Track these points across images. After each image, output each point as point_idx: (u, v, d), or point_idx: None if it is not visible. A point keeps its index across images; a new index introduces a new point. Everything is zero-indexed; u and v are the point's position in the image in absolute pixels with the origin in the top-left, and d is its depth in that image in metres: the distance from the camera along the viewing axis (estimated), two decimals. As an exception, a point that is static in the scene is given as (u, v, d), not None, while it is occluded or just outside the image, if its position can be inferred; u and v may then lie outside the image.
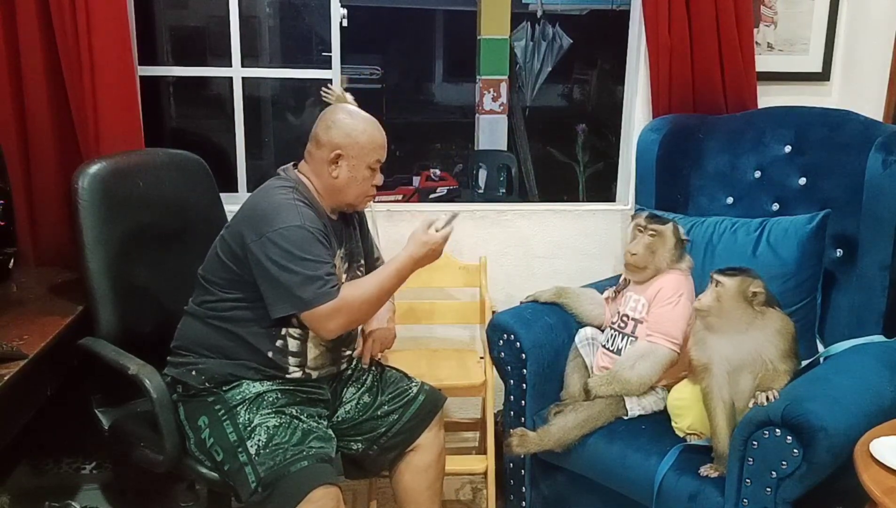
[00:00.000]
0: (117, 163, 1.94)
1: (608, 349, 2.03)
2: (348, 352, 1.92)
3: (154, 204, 1.99)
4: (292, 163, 1.86)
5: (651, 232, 1.97)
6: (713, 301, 1.75)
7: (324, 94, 2.23)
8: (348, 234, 1.90)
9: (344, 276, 1.84)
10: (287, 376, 1.78)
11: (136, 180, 1.96)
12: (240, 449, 1.67)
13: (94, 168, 1.86)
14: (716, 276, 1.76)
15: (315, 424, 1.74)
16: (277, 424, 1.69)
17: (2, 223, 2.06)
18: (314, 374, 1.81)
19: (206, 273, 1.82)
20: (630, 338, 1.98)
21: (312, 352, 1.80)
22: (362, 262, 1.95)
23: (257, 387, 1.75)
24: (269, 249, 1.66)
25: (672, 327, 1.92)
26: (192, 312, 1.83)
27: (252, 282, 1.71)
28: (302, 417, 1.73)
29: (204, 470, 1.76)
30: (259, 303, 1.71)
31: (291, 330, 1.76)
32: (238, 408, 1.72)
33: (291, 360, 1.78)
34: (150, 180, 2.00)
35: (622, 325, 2.00)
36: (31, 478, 2.36)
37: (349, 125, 1.78)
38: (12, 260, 2.12)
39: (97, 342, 1.82)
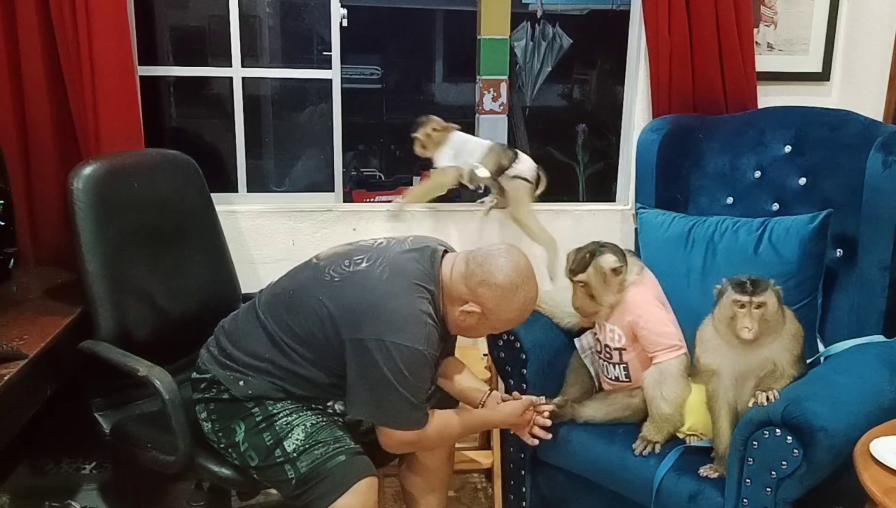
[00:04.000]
0: (112, 164, 1.94)
1: (607, 377, 2.03)
2: None
3: (149, 205, 1.99)
4: (447, 261, 1.70)
5: (580, 283, 1.92)
6: (758, 323, 1.70)
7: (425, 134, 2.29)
8: (447, 334, 1.82)
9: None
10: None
11: (131, 181, 1.96)
12: (277, 451, 1.67)
13: (88, 169, 1.85)
14: (754, 299, 1.70)
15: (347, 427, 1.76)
16: (315, 422, 1.70)
17: (2, 223, 2.06)
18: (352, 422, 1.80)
19: (294, 308, 1.70)
20: (621, 366, 1.98)
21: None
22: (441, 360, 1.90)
23: (298, 402, 1.74)
24: (383, 356, 1.58)
25: (665, 336, 1.91)
26: (264, 326, 1.73)
27: (336, 360, 1.64)
28: (337, 416, 1.76)
29: (219, 469, 1.76)
30: (327, 372, 1.68)
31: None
32: (277, 415, 1.71)
33: (338, 408, 1.77)
34: (145, 181, 2.00)
35: (608, 356, 1.99)
36: (31, 478, 2.36)
37: (505, 298, 1.64)
38: (12, 260, 2.12)
39: (100, 345, 1.81)
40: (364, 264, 1.68)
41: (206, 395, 1.76)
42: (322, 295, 1.67)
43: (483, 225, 2.61)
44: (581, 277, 1.91)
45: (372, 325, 1.60)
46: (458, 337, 1.90)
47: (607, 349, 1.99)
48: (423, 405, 1.67)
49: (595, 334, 2.04)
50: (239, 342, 1.75)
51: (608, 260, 1.90)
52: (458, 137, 2.45)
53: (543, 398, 1.93)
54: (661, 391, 1.87)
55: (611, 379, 2.02)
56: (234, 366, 1.74)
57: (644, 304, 1.93)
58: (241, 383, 1.72)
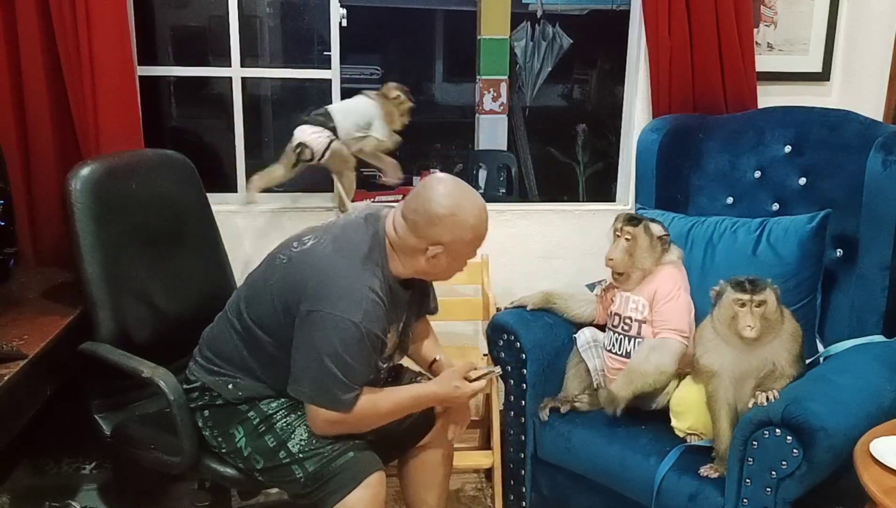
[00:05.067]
0: (110, 164, 1.93)
1: (615, 353, 2.00)
2: None
3: (147, 205, 1.98)
4: (389, 223, 1.68)
5: (626, 236, 1.95)
6: (759, 321, 1.70)
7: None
8: (411, 303, 1.81)
9: (395, 341, 1.78)
10: None
11: (129, 182, 1.95)
12: (282, 453, 1.67)
13: (86, 170, 1.84)
14: (755, 298, 1.70)
15: None
16: None
17: (2, 223, 2.06)
18: None
19: (250, 298, 1.72)
20: (637, 339, 1.96)
21: None
22: (412, 328, 1.88)
23: (292, 400, 1.74)
24: (317, 328, 1.57)
25: (678, 321, 1.92)
26: (230, 321, 1.75)
27: (292, 336, 1.63)
28: None
29: (224, 469, 1.76)
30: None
31: None
32: (275, 415, 1.71)
33: None
34: (143, 181, 2.00)
35: (626, 328, 1.98)
36: (31, 478, 2.36)
37: (456, 223, 1.60)
38: (12, 260, 2.12)
39: (101, 347, 1.81)
40: (310, 243, 1.69)
41: (200, 402, 1.76)
42: (273, 279, 1.67)
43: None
44: (631, 229, 1.95)
45: (312, 299, 1.58)
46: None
47: (627, 322, 1.97)
48: (355, 387, 1.60)
49: (611, 310, 2.03)
50: (216, 348, 1.77)
51: (659, 228, 1.97)
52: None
53: (498, 368, 1.88)
54: (650, 355, 1.90)
55: (620, 355, 1.98)
56: (220, 371, 1.75)
57: (676, 282, 1.95)
58: (231, 386, 1.73)
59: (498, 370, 1.87)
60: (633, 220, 1.98)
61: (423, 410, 1.91)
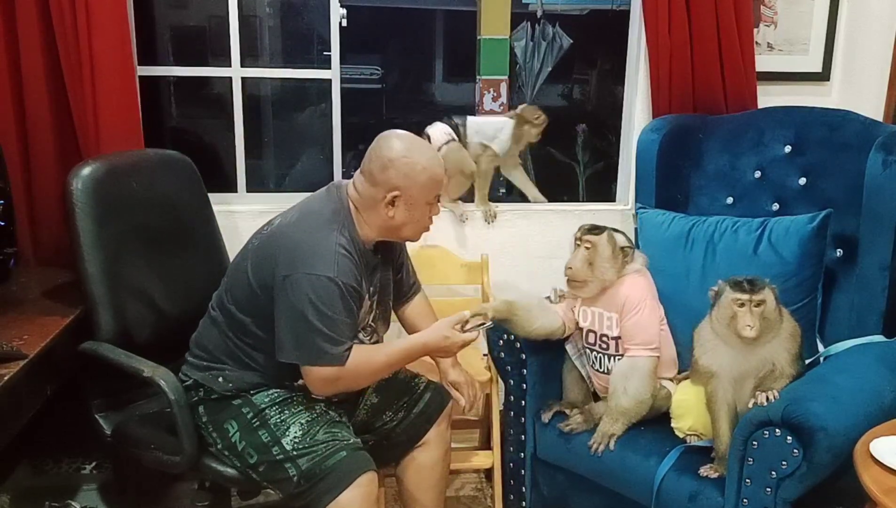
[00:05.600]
0: (110, 164, 1.93)
1: (599, 371, 2.00)
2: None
3: (148, 205, 1.99)
4: (349, 185, 1.74)
5: (587, 244, 1.91)
6: (759, 321, 1.70)
7: None
8: (384, 267, 1.84)
9: (373, 310, 1.81)
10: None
11: (130, 181, 1.96)
12: (275, 449, 1.68)
13: (87, 170, 1.85)
14: (754, 298, 1.70)
15: (340, 420, 1.77)
16: (310, 418, 1.71)
17: (2, 223, 2.05)
18: (335, 398, 1.81)
19: (229, 285, 1.77)
20: (616, 357, 1.95)
21: None
22: (391, 295, 1.90)
23: (284, 392, 1.75)
24: (297, 290, 1.60)
25: (645, 334, 1.91)
26: (213, 316, 1.80)
27: (272, 312, 1.66)
28: (330, 412, 1.76)
29: (224, 469, 1.76)
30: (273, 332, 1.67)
31: None
32: (267, 410, 1.72)
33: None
34: (143, 181, 2.00)
35: (604, 346, 1.97)
36: (31, 478, 2.36)
37: (407, 164, 1.65)
38: (12, 260, 2.12)
39: (102, 346, 1.81)
40: (277, 221, 1.74)
41: (194, 398, 1.77)
42: (246, 262, 1.73)
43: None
44: (592, 238, 1.91)
45: (285, 265, 1.62)
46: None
47: (604, 340, 1.96)
48: (343, 340, 1.63)
49: (584, 328, 1.99)
50: (202, 344, 1.81)
51: (622, 239, 1.95)
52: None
53: (490, 321, 1.86)
54: (625, 384, 1.89)
55: (602, 372, 1.98)
56: (209, 365, 1.77)
57: (640, 292, 1.92)
58: (220, 379, 1.75)
59: (489, 323, 1.86)
60: (595, 229, 1.93)
61: (424, 411, 1.92)
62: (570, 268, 1.91)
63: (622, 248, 1.92)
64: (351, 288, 1.64)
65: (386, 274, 1.86)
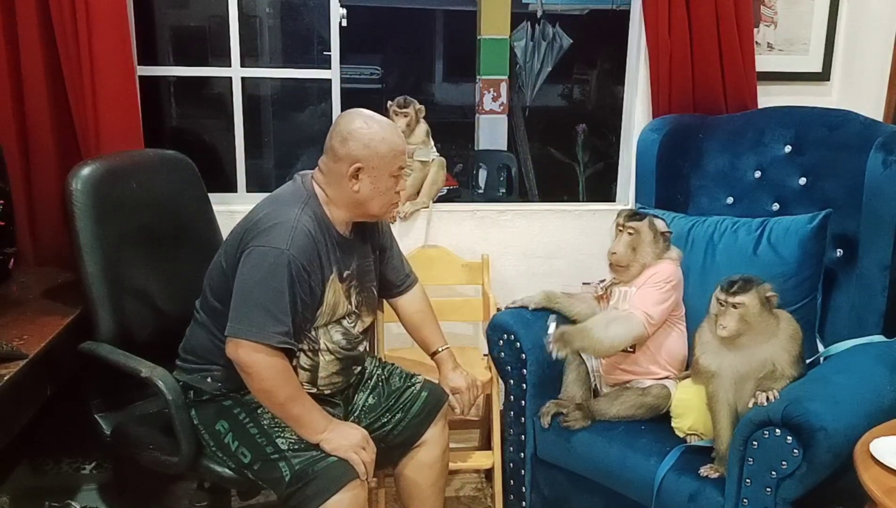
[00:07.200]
0: (110, 164, 1.93)
1: None
2: (359, 368, 1.93)
3: (148, 205, 1.98)
4: (315, 171, 1.78)
5: (630, 230, 1.96)
6: (738, 324, 1.72)
7: None
8: (363, 251, 1.85)
9: (353, 295, 1.81)
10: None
11: (130, 182, 1.95)
12: (269, 448, 1.68)
13: (86, 170, 1.84)
14: (729, 299, 1.72)
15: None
16: None
17: (2, 223, 2.05)
18: (326, 391, 1.81)
19: (209, 281, 1.80)
20: None
21: (324, 370, 1.79)
22: (375, 281, 1.91)
23: None
24: (248, 261, 1.62)
25: (652, 306, 1.92)
26: (198, 318, 1.81)
27: None
28: (324, 411, 1.75)
29: (221, 469, 1.76)
30: None
31: (302, 345, 1.73)
32: (260, 410, 1.72)
33: (302, 375, 1.76)
34: (144, 181, 2.00)
35: None
36: (31, 478, 2.36)
37: (366, 135, 1.68)
38: (12, 260, 2.12)
39: (101, 346, 1.81)
40: (249, 212, 1.77)
41: (186, 402, 1.77)
42: (221, 251, 1.78)
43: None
44: (635, 224, 1.96)
45: (246, 242, 1.65)
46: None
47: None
48: (284, 321, 1.60)
49: (612, 307, 2.02)
50: (188, 346, 1.83)
51: (661, 224, 2.00)
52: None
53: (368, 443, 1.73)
54: (608, 322, 1.91)
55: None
56: (197, 367, 1.78)
57: (670, 277, 1.95)
58: (209, 379, 1.76)
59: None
60: (636, 215, 1.99)
61: (421, 411, 1.92)
62: (615, 253, 1.97)
63: (662, 233, 1.98)
64: (300, 265, 1.63)
65: (366, 260, 1.86)
